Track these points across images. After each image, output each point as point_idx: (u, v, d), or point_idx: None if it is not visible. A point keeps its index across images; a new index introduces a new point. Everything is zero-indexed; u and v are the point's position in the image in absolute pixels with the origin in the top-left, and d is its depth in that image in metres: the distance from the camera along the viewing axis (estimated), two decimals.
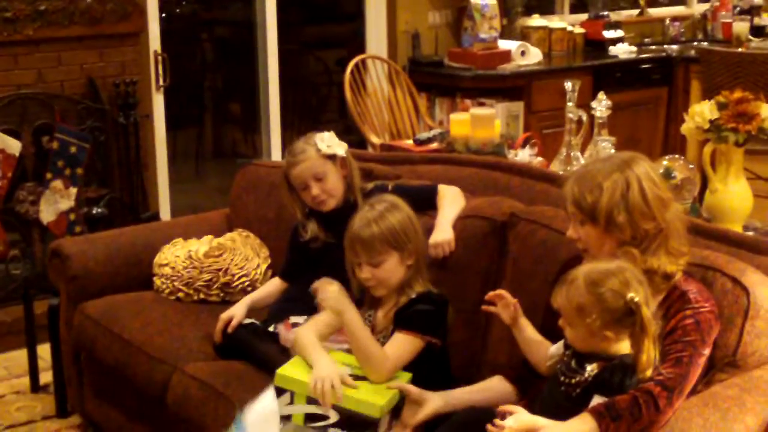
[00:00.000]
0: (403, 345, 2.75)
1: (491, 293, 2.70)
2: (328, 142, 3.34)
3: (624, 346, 2.36)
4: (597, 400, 2.34)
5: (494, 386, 2.70)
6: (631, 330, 2.32)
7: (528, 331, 2.68)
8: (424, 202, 3.29)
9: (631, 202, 2.47)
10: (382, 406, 2.62)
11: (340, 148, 3.36)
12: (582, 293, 2.34)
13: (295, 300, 3.28)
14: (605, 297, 2.32)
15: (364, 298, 2.93)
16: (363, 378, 2.71)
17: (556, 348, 2.59)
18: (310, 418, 2.65)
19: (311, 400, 2.65)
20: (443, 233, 3.17)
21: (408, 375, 2.74)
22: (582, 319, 2.34)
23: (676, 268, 2.49)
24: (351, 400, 2.64)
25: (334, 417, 2.62)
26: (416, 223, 2.89)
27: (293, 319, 3.19)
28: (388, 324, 2.85)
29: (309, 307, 2.96)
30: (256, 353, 3.16)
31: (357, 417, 2.61)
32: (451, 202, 3.29)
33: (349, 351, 2.81)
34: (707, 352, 2.43)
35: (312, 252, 3.37)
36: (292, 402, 2.69)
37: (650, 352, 2.31)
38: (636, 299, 2.30)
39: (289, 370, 2.74)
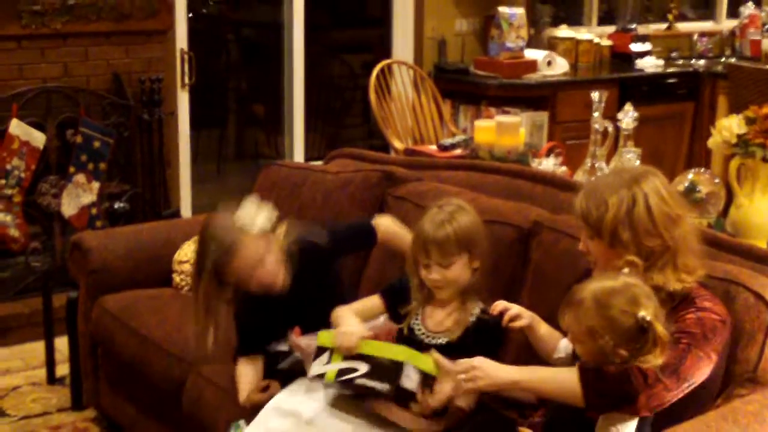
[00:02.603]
0: None
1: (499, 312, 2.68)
2: (256, 217, 2.88)
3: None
4: None
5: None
6: (642, 345, 2.29)
7: (540, 330, 2.65)
8: (364, 244, 3.20)
9: (636, 220, 2.45)
10: (408, 353, 2.65)
11: (267, 220, 2.91)
12: (591, 316, 2.31)
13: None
14: (615, 318, 2.28)
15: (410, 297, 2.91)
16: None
17: (565, 344, 2.58)
18: (341, 375, 2.71)
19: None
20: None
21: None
22: (594, 341, 2.32)
23: (682, 286, 2.45)
24: (380, 347, 2.71)
25: (363, 368, 2.67)
26: (482, 227, 2.83)
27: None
28: (453, 327, 2.81)
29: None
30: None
31: (385, 366, 2.65)
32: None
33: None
34: (713, 355, 2.39)
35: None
36: (329, 362, 2.73)
37: (657, 356, 2.28)
38: (647, 318, 2.26)
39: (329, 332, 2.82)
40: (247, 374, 3.02)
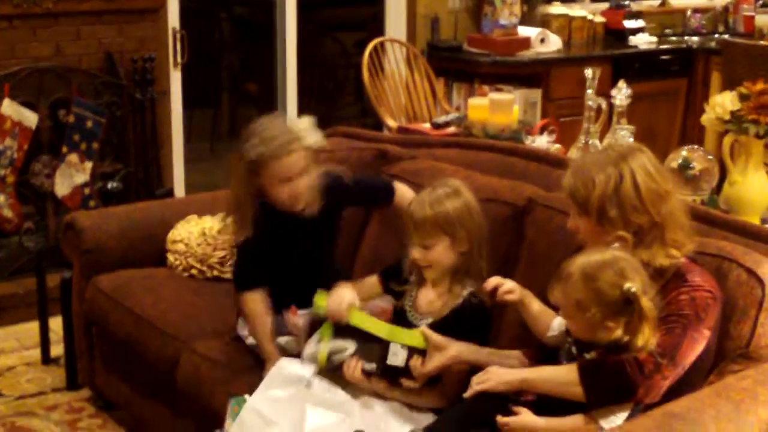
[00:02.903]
0: None
1: (493, 287, 2.70)
2: (312, 132, 2.97)
3: (622, 332, 2.36)
4: None
5: (513, 356, 2.72)
6: (629, 318, 2.31)
7: (533, 307, 2.67)
8: (381, 200, 3.23)
9: (623, 197, 2.46)
10: (392, 330, 2.71)
11: (322, 139, 3.02)
12: (579, 288, 2.33)
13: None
14: (602, 290, 2.31)
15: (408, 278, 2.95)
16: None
17: (558, 323, 2.60)
18: (331, 356, 2.77)
19: (337, 329, 2.79)
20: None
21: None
22: (582, 313, 2.34)
23: (670, 262, 2.47)
24: (368, 321, 2.76)
25: (351, 348, 2.73)
26: (475, 212, 2.84)
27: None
28: (441, 308, 2.84)
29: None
30: None
31: (371, 345, 2.70)
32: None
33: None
34: (706, 332, 2.42)
35: (272, 252, 3.08)
36: (320, 341, 2.80)
37: (647, 337, 2.30)
38: (633, 289, 2.29)
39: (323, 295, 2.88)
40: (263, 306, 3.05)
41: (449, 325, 2.80)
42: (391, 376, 2.71)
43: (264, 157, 2.86)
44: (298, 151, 2.90)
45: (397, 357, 2.69)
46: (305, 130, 2.95)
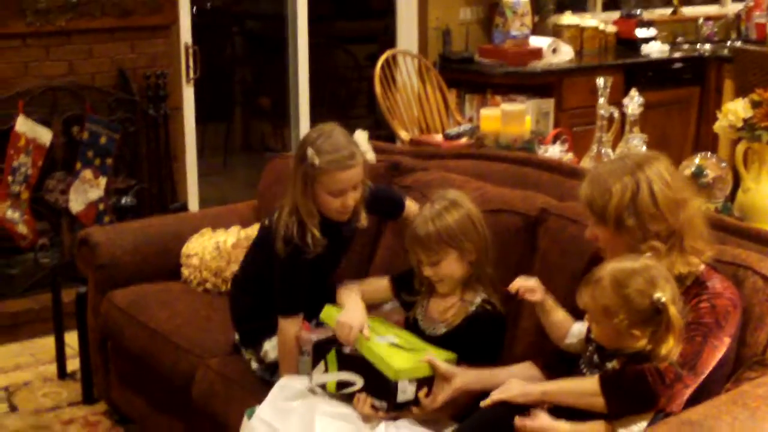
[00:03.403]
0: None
1: (517, 288, 2.69)
2: (367, 148, 2.94)
3: (646, 342, 2.36)
4: None
5: (523, 371, 2.70)
6: (656, 328, 2.31)
7: (553, 311, 2.66)
8: (393, 212, 3.22)
9: (640, 206, 2.45)
10: (398, 370, 2.65)
11: (374, 155, 3.00)
12: (608, 294, 2.33)
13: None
14: (631, 297, 2.30)
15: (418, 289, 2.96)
16: (406, 349, 2.76)
17: (578, 329, 2.59)
18: (341, 386, 2.74)
19: (342, 359, 2.75)
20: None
21: (453, 355, 2.77)
22: (609, 319, 2.34)
23: (688, 269, 2.46)
24: (375, 355, 2.71)
25: (359, 383, 2.70)
26: (477, 221, 2.85)
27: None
28: (454, 317, 2.85)
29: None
30: None
31: (380, 382, 2.67)
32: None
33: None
34: (726, 339, 2.41)
35: (317, 266, 3.00)
36: (326, 371, 2.77)
37: (671, 347, 2.30)
38: (663, 299, 2.28)
39: (333, 310, 2.88)
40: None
41: (463, 333, 2.80)
42: (401, 408, 2.69)
43: (330, 165, 2.83)
44: (357, 165, 2.87)
45: (405, 393, 2.67)
46: (363, 144, 2.94)
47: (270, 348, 3.08)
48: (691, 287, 2.45)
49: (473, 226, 2.83)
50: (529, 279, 2.69)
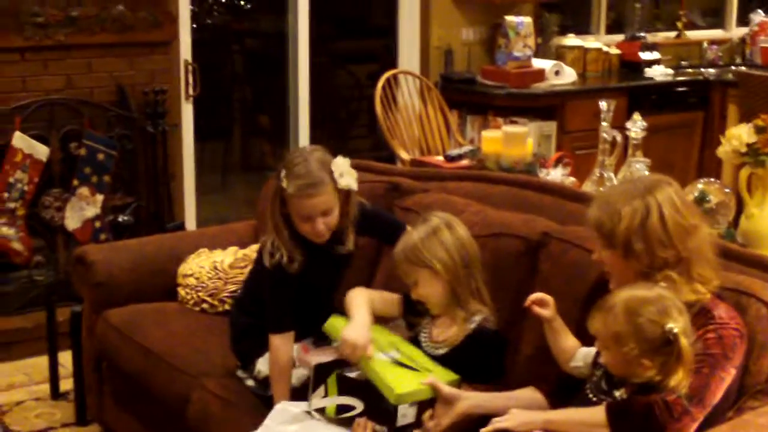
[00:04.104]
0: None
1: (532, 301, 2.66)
2: (346, 174, 2.96)
3: (656, 372, 2.33)
4: None
5: (527, 396, 2.67)
6: (666, 359, 2.29)
7: (561, 333, 2.63)
8: (390, 236, 3.20)
9: (650, 231, 2.42)
10: (400, 394, 2.63)
11: (354, 182, 3.00)
12: (620, 322, 2.31)
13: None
14: (643, 327, 2.29)
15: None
16: (409, 367, 2.75)
17: (584, 354, 2.56)
18: (340, 411, 2.72)
19: (342, 383, 2.73)
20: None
21: (456, 377, 2.76)
22: (619, 347, 2.32)
23: (696, 297, 2.43)
24: (377, 375, 2.69)
25: (359, 407, 2.69)
26: (448, 240, 2.85)
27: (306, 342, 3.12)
28: (454, 337, 2.85)
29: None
30: None
31: (380, 407, 2.65)
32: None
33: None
34: (733, 370, 2.39)
35: (290, 277, 3.00)
36: (326, 395, 2.75)
37: (680, 379, 2.27)
38: (675, 330, 2.27)
39: (339, 321, 2.89)
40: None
41: (463, 352, 2.81)
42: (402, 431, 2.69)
43: (297, 191, 2.88)
44: (324, 194, 2.90)
45: (406, 418, 2.65)
46: (340, 171, 2.94)
47: (262, 366, 3.08)
48: (697, 316, 2.41)
49: (438, 242, 2.83)
50: (545, 295, 2.67)
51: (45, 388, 4.37)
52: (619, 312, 2.31)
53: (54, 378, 4.33)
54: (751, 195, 3.63)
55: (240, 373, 3.19)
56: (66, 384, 4.30)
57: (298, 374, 2.99)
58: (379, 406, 2.66)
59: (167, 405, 3.37)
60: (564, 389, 2.62)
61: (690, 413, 2.30)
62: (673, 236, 2.43)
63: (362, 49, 7.55)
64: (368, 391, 2.70)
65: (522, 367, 2.90)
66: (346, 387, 2.74)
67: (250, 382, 3.14)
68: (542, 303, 2.63)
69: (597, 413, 2.37)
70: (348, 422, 2.70)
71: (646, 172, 3.75)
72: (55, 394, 4.34)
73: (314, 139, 6.22)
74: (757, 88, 6.10)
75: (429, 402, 2.67)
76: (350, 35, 7.56)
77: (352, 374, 2.76)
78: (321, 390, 2.78)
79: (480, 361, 2.79)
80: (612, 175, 3.91)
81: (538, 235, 3.09)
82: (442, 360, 2.82)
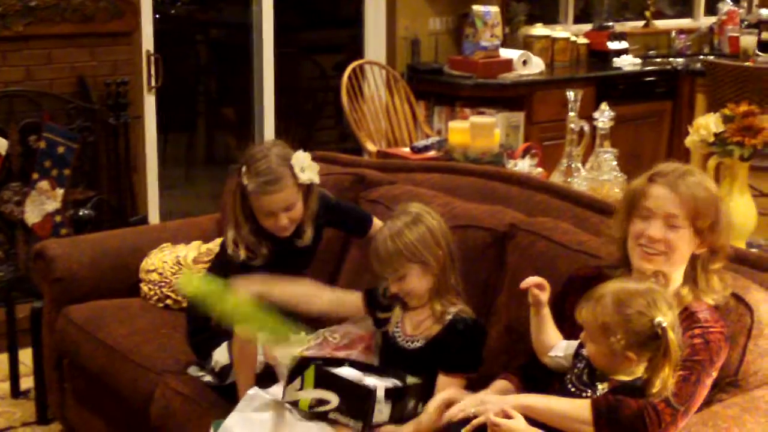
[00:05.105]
0: (449, 387, 2.76)
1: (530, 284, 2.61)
2: (307, 168, 2.99)
3: (642, 370, 2.32)
4: None
5: (500, 389, 2.63)
6: (653, 354, 2.27)
7: (547, 322, 2.58)
8: (356, 228, 3.24)
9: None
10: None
11: (316, 176, 3.03)
12: (608, 312, 2.30)
13: None
14: (631, 318, 2.28)
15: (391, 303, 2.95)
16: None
17: (565, 346, 2.53)
18: (314, 406, 2.71)
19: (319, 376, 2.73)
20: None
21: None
22: (606, 337, 2.31)
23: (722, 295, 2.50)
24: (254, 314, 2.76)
25: (334, 401, 2.67)
26: (438, 234, 2.83)
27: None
28: (430, 329, 2.83)
29: None
30: None
31: (356, 402, 2.65)
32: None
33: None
34: (715, 373, 2.39)
35: (254, 270, 3.02)
36: (302, 387, 2.73)
37: (666, 378, 2.26)
38: (663, 323, 2.25)
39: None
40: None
41: (442, 342, 2.79)
42: (377, 427, 2.68)
43: (257, 188, 2.92)
44: (285, 190, 2.94)
45: (382, 414, 2.65)
46: (301, 166, 2.97)
47: (220, 356, 3.07)
48: (681, 317, 2.40)
49: (433, 239, 2.82)
50: (542, 280, 2.61)
51: (5, 386, 4.33)
52: (608, 302, 2.31)
53: (14, 376, 4.30)
54: (719, 184, 3.61)
55: (193, 371, 3.17)
56: (26, 382, 4.26)
57: (259, 360, 2.99)
58: (353, 397, 2.65)
59: (130, 403, 3.34)
60: (532, 381, 2.60)
61: (675, 423, 2.29)
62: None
63: (328, 40, 7.54)
64: (344, 387, 2.68)
65: (488, 359, 2.87)
66: (323, 381, 2.72)
67: (206, 378, 3.12)
68: (541, 287, 2.59)
69: (581, 409, 2.33)
70: (321, 416, 2.68)
71: (614, 163, 3.75)
72: (16, 392, 4.30)
73: (280, 131, 6.18)
74: (725, 77, 6.13)
75: (402, 396, 2.69)
76: (316, 25, 7.54)
77: (334, 370, 2.75)
78: (297, 382, 2.75)
79: (459, 350, 2.78)
80: (580, 165, 3.91)
81: (506, 227, 3.08)
82: (418, 353, 2.81)
